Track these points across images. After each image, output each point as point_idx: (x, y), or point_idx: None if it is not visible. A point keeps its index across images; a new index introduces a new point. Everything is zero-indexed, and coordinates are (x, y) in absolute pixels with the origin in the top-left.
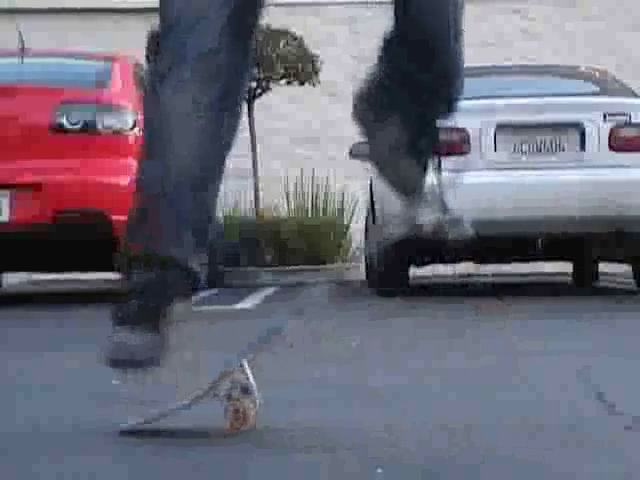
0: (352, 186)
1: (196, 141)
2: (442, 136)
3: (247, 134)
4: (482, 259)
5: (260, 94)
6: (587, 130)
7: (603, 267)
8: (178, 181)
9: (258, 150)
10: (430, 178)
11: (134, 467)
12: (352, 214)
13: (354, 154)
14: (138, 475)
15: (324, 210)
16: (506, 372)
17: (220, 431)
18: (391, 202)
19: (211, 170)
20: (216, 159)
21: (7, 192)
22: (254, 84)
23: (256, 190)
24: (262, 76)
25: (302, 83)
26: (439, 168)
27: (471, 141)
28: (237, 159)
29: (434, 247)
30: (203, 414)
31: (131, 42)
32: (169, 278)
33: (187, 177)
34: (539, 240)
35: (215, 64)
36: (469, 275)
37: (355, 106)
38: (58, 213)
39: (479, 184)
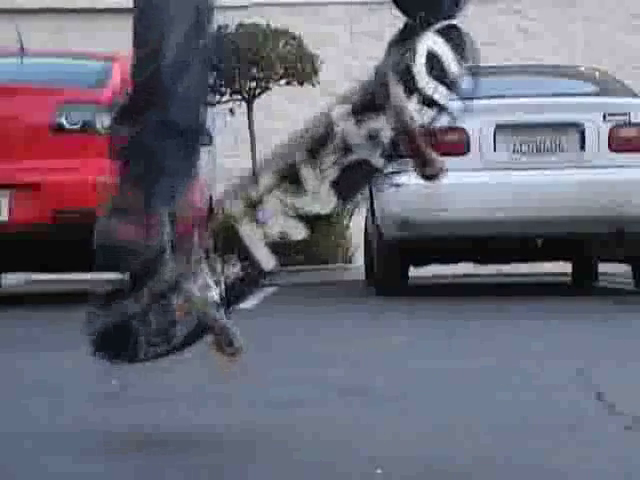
0: None
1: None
2: (441, 136)
3: (247, 134)
4: (482, 259)
5: (260, 94)
6: (587, 130)
7: (603, 267)
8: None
9: (258, 150)
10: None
11: (134, 467)
12: (352, 214)
13: None
14: (138, 475)
15: None
16: (506, 372)
17: (219, 434)
18: (390, 203)
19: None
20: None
21: (7, 192)
22: (253, 84)
23: None
24: (261, 76)
25: (301, 83)
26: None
27: (471, 141)
28: (237, 159)
29: (434, 247)
30: (203, 415)
31: (131, 42)
32: (158, 169)
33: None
34: (539, 240)
35: None
36: (469, 275)
37: None
38: (58, 213)
39: (479, 184)
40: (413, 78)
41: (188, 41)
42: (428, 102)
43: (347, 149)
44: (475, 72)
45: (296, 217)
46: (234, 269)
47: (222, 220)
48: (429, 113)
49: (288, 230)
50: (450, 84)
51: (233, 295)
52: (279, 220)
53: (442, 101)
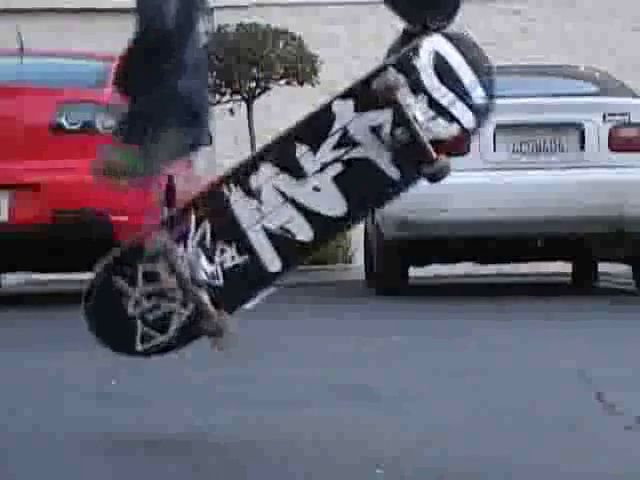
0: None
1: None
2: None
3: (247, 134)
4: (482, 259)
5: (259, 94)
6: (587, 130)
7: (603, 267)
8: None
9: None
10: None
11: (134, 467)
12: None
13: None
14: (138, 475)
15: None
16: (506, 372)
17: (219, 434)
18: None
19: None
20: None
21: (7, 192)
22: (253, 84)
23: None
24: (261, 76)
25: (301, 83)
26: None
27: (471, 141)
28: (236, 159)
29: (434, 247)
30: (204, 415)
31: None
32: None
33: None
34: (539, 240)
35: None
36: (469, 275)
37: None
38: (58, 213)
39: (479, 184)
40: (418, 76)
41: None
42: (440, 110)
43: (348, 143)
44: (488, 83)
45: (302, 214)
46: (236, 270)
47: (225, 217)
48: (442, 123)
49: (291, 227)
50: (464, 97)
51: (235, 295)
52: (282, 214)
53: (456, 113)
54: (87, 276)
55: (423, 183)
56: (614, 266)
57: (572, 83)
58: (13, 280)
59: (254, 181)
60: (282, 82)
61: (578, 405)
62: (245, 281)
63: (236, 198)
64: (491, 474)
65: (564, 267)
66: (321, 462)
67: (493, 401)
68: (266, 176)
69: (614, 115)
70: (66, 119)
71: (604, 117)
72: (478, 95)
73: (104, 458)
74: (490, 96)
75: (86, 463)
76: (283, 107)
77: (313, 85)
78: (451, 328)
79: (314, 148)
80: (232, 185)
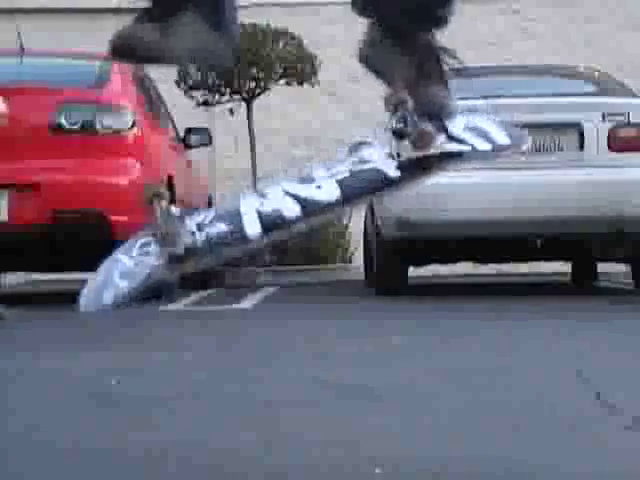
0: None
1: None
2: None
3: (246, 134)
4: (482, 259)
5: (259, 94)
6: (586, 130)
7: (603, 267)
8: None
9: (257, 150)
10: None
11: (134, 467)
12: (351, 214)
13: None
14: (138, 475)
15: None
16: (505, 372)
17: (218, 434)
18: (390, 203)
19: None
20: None
21: (6, 192)
22: (253, 84)
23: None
24: (261, 76)
25: (301, 83)
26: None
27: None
28: (236, 159)
29: (434, 247)
30: (203, 415)
31: None
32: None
33: None
34: (539, 240)
35: None
36: (469, 275)
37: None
38: (57, 213)
39: (479, 184)
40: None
41: None
42: (453, 135)
43: (361, 160)
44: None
45: (295, 201)
46: (216, 234)
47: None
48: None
49: (281, 207)
50: (482, 135)
51: (209, 250)
52: (277, 197)
53: (469, 140)
54: (87, 276)
55: (423, 183)
56: (614, 266)
57: (571, 83)
58: (13, 280)
59: (264, 184)
60: (282, 82)
61: (578, 405)
62: (222, 242)
63: (247, 194)
64: (491, 474)
65: (564, 267)
66: (321, 462)
67: (493, 401)
68: (276, 179)
69: (613, 115)
70: (66, 119)
71: (603, 117)
72: (496, 128)
73: (103, 458)
74: (512, 140)
75: (85, 463)
76: (283, 107)
77: (313, 85)
78: (451, 328)
79: (327, 165)
80: (248, 190)
